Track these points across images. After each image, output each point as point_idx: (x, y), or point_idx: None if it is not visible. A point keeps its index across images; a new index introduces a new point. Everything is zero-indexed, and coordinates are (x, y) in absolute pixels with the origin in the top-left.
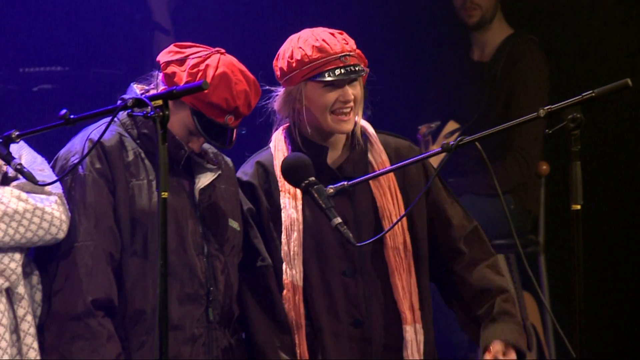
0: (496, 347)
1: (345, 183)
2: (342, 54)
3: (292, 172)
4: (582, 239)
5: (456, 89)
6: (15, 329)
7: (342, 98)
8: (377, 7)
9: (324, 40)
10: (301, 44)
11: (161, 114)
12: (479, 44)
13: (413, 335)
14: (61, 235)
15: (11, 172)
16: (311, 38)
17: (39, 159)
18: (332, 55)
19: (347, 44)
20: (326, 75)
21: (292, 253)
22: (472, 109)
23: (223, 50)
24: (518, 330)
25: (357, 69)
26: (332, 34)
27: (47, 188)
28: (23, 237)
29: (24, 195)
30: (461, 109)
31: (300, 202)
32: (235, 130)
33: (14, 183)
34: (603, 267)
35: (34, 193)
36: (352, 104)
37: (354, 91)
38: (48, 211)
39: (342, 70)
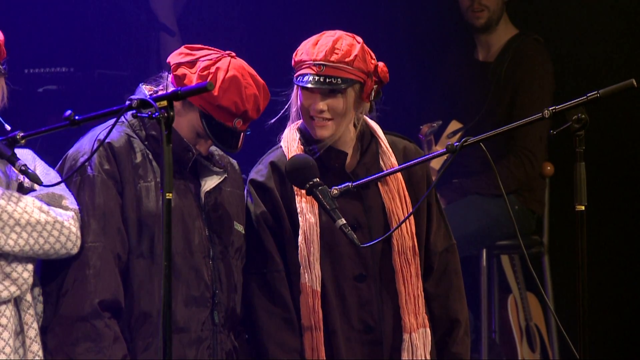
0: None
1: (350, 184)
2: (319, 62)
3: (296, 174)
4: (586, 239)
5: (461, 89)
6: (20, 336)
7: (313, 106)
8: (382, 8)
9: (314, 44)
10: (303, 44)
11: (166, 115)
12: (484, 45)
13: (421, 341)
14: (75, 250)
15: (27, 183)
16: (312, 40)
17: (50, 170)
18: (309, 61)
19: (336, 53)
20: (299, 79)
21: (312, 258)
22: (477, 110)
23: (234, 54)
24: None
25: (332, 80)
26: (334, 40)
27: (65, 203)
28: (41, 249)
29: (45, 207)
30: (466, 110)
31: (317, 205)
32: (243, 134)
33: (32, 194)
34: (607, 268)
35: (53, 206)
36: (326, 114)
37: (332, 103)
38: (66, 225)
39: (314, 78)
